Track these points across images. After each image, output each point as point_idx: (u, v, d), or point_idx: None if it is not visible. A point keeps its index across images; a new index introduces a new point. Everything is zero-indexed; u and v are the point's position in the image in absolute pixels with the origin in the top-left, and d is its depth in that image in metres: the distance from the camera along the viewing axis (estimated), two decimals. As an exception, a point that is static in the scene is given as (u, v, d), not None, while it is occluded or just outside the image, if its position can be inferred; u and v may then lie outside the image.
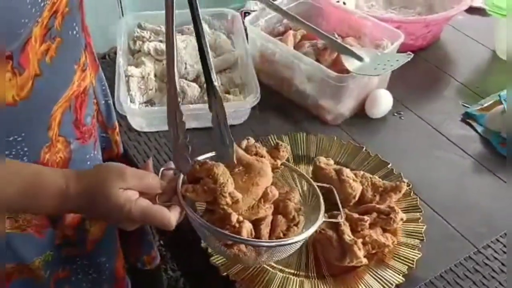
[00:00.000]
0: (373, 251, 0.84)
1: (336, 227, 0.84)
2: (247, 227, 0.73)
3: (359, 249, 0.82)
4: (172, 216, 0.71)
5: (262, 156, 0.82)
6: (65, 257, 0.88)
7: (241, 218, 0.74)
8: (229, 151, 0.78)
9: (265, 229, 0.77)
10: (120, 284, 1.03)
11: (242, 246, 0.74)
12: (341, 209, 0.84)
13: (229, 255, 0.76)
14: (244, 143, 0.85)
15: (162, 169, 0.78)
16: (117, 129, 1.02)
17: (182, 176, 0.77)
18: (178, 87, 0.78)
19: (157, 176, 0.75)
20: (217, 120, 0.78)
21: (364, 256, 0.82)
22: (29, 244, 0.81)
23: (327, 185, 0.88)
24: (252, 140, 0.86)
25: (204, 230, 0.74)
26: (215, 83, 0.78)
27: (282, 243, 0.76)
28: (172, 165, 0.79)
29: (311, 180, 0.86)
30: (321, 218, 0.79)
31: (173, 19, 0.75)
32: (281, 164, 0.85)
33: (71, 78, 0.78)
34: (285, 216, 0.79)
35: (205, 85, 1.11)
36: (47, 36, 0.69)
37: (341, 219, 0.84)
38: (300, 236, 0.76)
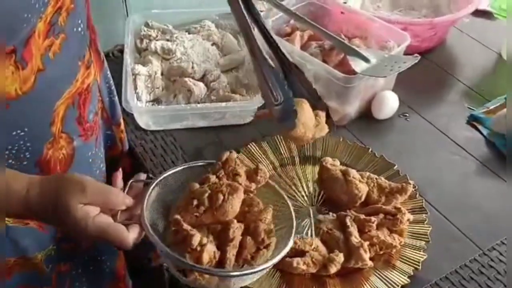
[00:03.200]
0: (381, 252, 0.84)
1: (343, 228, 0.84)
2: (209, 250, 0.71)
3: (365, 251, 0.82)
4: (130, 236, 0.70)
5: (237, 174, 0.81)
6: (66, 251, 0.88)
7: (204, 241, 0.72)
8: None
9: (231, 251, 0.74)
10: (121, 284, 1.03)
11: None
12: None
13: (189, 282, 0.73)
14: (225, 155, 0.83)
15: (130, 181, 0.77)
16: (122, 126, 1.02)
17: (150, 190, 0.76)
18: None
19: (121, 192, 0.73)
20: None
21: (372, 258, 0.83)
22: (32, 238, 0.81)
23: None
24: (234, 154, 0.84)
25: (162, 253, 0.72)
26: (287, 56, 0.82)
27: (238, 273, 0.73)
28: (141, 177, 0.79)
29: (287, 200, 0.84)
30: (290, 243, 0.76)
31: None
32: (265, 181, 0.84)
33: (74, 74, 0.79)
34: (255, 238, 0.76)
35: (211, 84, 1.13)
36: (51, 32, 0.70)
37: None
38: (261, 266, 0.73)
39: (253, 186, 0.82)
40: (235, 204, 0.76)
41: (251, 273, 0.73)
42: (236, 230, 0.75)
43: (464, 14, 1.28)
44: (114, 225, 0.69)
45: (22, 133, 0.73)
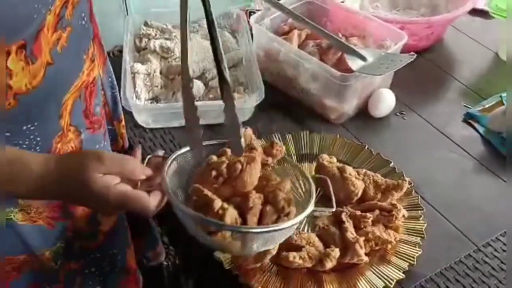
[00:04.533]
0: (376, 248, 0.85)
1: (339, 224, 0.85)
2: (232, 214, 0.72)
3: (361, 247, 0.83)
4: (151, 201, 0.69)
5: (253, 148, 0.81)
6: (78, 249, 0.89)
7: (225, 205, 0.72)
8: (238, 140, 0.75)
9: (252, 218, 0.74)
10: (132, 277, 1.04)
11: (227, 233, 0.72)
12: (333, 200, 0.84)
13: (213, 243, 0.74)
14: (241, 132, 0.82)
15: (149, 156, 0.77)
16: (123, 122, 1.03)
17: (169, 162, 0.76)
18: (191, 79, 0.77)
19: (139, 162, 0.73)
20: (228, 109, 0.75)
21: (367, 253, 0.84)
22: (40, 235, 0.82)
23: (323, 176, 0.88)
24: (249, 131, 0.84)
25: (186, 216, 0.72)
26: (226, 75, 0.75)
27: (259, 230, 0.72)
28: (160, 153, 0.79)
29: (303, 171, 0.84)
30: (311, 206, 0.77)
31: (187, 12, 0.76)
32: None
33: (80, 67, 0.80)
34: (275, 206, 0.76)
35: (210, 82, 1.14)
36: (59, 25, 0.70)
37: (332, 209, 0.82)
38: (284, 224, 0.73)
39: (270, 160, 0.82)
40: (253, 174, 0.76)
41: (273, 230, 0.73)
42: (256, 199, 0.75)
43: (461, 13, 1.29)
44: (135, 192, 0.69)
45: (33, 127, 0.73)
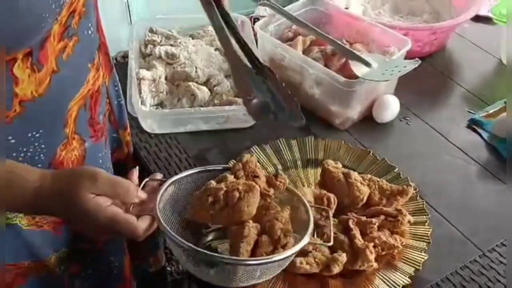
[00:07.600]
0: (383, 253, 0.85)
1: (347, 231, 0.85)
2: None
3: (371, 253, 0.83)
4: (139, 226, 0.69)
5: (256, 176, 0.80)
6: (77, 251, 0.89)
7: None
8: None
9: (245, 247, 0.72)
10: (127, 285, 1.04)
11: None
12: (332, 234, 0.81)
13: (201, 273, 0.72)
14: (246, 157, 0.82)
15: (146, 180, 0.77)
16: (128, 130, 1.04)
17: (165, 186, 0.75)
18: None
19: (133, 185, 0.72)
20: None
21: (374, 259, 0.84)
22: (46, 240, 0.82)
23: (325, 207, 0.84)
24: (255, 158, 0.83)
25: (175, 245, 0.71)
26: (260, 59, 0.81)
27: (255, 262, 0.70)
28: (158, 176, 0.79)
29: (305, 201, 0.81)
30: (306, 239, 0.74)
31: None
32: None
33: (85, 76, 0.80)
34: (270, 236, 0.74)
35: (215, 88, 1.14)
36: (65, 34, 0.71)
37: (329, 244, 0.80)
38: (272, 257, 0.70)
39: (272, 191, 0.81)
40: (251, 204, 0.74)
41: (265, 263, 0.70)
42: (252, 228, 0.73)
43: (465, 20, 1.29)
44: (125, 215, 0.69)
45: (38, 135, 0.74)
